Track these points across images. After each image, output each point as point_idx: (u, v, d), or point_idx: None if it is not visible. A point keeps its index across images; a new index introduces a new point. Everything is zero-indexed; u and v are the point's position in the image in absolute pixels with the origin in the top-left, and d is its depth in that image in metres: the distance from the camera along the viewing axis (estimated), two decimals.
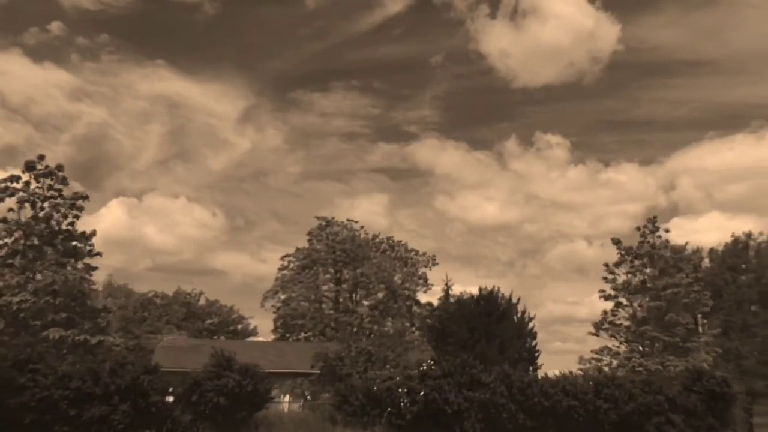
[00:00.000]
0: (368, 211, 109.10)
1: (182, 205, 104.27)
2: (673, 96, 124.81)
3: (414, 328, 65.67)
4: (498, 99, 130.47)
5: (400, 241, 73.99)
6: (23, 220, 30.04)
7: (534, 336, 53.40)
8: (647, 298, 46.04)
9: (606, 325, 48.03)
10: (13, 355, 22.20)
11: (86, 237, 30.87)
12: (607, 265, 49.97)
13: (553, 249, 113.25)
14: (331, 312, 66.43)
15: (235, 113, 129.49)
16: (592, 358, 47.61)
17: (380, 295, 68.03)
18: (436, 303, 66.29)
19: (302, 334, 65.45)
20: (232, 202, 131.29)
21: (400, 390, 26.54)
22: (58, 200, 30.66)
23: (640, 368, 42.50)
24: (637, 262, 47.61)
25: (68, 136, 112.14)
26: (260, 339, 71.99)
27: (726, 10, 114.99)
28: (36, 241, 30.12)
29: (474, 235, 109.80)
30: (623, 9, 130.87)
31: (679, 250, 50.96)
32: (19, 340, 23.47)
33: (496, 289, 55.57)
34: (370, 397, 26.44)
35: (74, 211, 30.61)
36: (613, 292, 48.64)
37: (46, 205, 30.58)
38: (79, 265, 30.50)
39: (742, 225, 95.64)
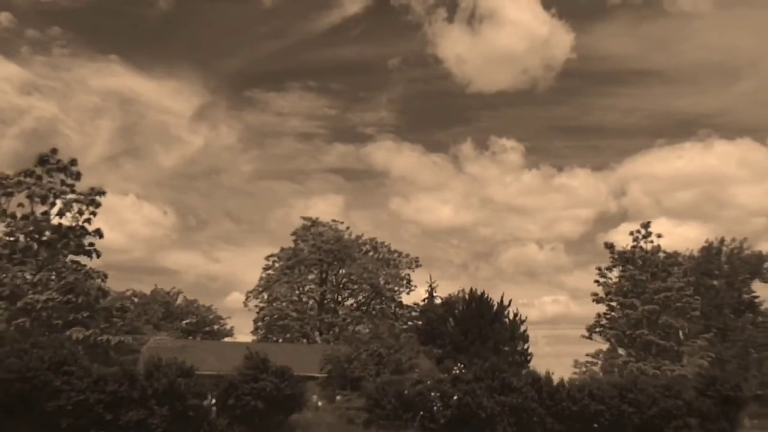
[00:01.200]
0: (323, 212, 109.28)
1: (132, 203, 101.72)
2: (623, 104, 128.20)
3: (398, 329, 65.38)
4: (454, 103, 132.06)
5: (383, 242, 73.42)
6: (39, 216, 28.77)
7: (527, 339, 53.80)
8: (640, 302, 46.43)
9: (599, 328, 48.38)
10: (48, 356, 21.13)
11: (100, 235, 29.77)
12: (599, 268, 50.41)
13: (505, 252, 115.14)
14: (312, 313, 65.65)
15: (189, 110, 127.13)
16: (587, 362, 47.97)
17: (362, 296, 67.62)
18: (418, 305, 66.51)
19: (287, 335, 64.53)
20: (184, 201, 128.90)
21: (432, 394, 26.18)
22: (70, 196, 29.45)
23: (637, 372, 42.81)
24: (630, 267, 48.05)
25: (16, 129, 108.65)
26: (240, 340, 70.68)
27: (676, 22, 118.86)
28: (49, 238, 28.87)
29: (428, 238, 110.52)
30: (577, 18, 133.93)
31: (671, 255, 51.63)
32: (50, 340, 22.35)
33: (486, 292, 56.17)
34: (402, 401, 26.05)
35: (90, 208, 29.41)
36: (605, 296, 48.98)
37: (58, 201, 29.34)
38: (94, 262, 29.43)
39: (688, 231, 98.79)
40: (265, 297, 65.63)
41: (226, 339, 75.29)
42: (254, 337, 65.31)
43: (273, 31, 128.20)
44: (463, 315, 53.93)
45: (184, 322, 71.03)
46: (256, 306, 67.47)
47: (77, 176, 29.64)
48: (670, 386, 30.99)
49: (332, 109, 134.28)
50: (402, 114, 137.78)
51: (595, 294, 49.70)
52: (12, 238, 28.17)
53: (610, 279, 49.77)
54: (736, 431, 32.48)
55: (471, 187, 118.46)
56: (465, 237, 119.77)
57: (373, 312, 67.52)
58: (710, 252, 71.23)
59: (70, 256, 29.21)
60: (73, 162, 29.76)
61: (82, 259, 29.61)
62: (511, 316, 54.38)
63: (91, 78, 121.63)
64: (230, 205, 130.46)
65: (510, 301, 54.69)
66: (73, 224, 29.12)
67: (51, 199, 29.18)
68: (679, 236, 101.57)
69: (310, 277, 67.83)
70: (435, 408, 25.94)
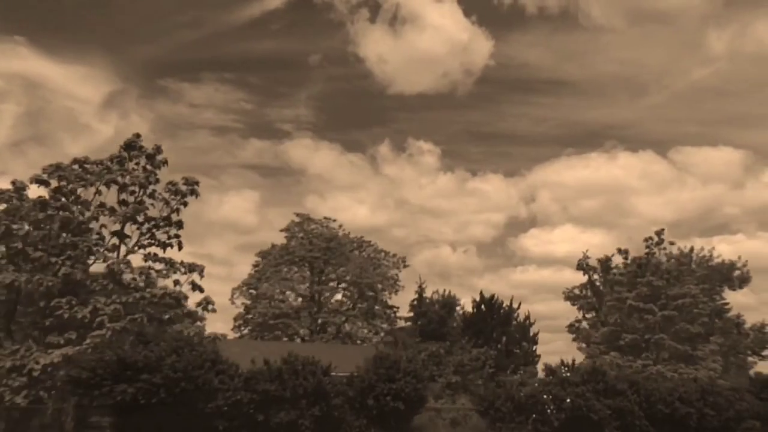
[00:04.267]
0: (237, 208, 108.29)
1: (35, 192, 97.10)
2: (535, 113, 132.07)
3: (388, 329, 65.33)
4: (373, 103, 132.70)
5: (370, 241, 73.05)
6: (128, 206, 27.28)
7: (536, 341, 54.60)
8: (657, 308, 47.88)
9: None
10: (205, 354, 20.21)
11: (179, 226, 28.51)
12: (614, 274, 51.58)
13: (419, 254, 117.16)
14: (305, 312, 64.81)
15: (98, 97, 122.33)
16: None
17: (356, 295, 67.13)
18: (418, 305, 66.56)
19: (277, 333, 63.43)
20: None
21: (545, 396, 26.31)
22: (155, 186, 28.07)
23: (656, 375, 44.07)
24: (648, 274, 49.46)
25: None
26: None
27: (589, 35, 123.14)
28: (140, 230, 27.48)
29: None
30: (496, 26, 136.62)
31: (684, 262, 53.41)
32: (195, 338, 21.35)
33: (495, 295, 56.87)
34: (515, 404, 26.08)
35: (178, 197, 28.11)
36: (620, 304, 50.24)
37: (142, 191, 27.94)
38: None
39: (591, 238, 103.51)
40: (253, 294, 64.49)
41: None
42: (236, 335, 63.48)
43: (190, 21, 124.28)
44: (474, 316, 54.28)
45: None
46: (243, 303, 66.12)
47: (162, 165, 28.28)
48: (737, 389, 32.06)
49: (249, 103, 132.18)
50: (321, 112, 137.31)
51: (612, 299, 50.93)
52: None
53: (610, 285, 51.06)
54: None
55: (387, 188, 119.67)
56: (380, 237, 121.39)
57: (367, 312, 67.23)
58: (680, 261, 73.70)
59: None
60: (158, 149, 28.39)
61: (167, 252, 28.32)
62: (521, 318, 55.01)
63: None
64: None
65: (519, 304, 55.38)
66: (165, 214, 27.78)
67: (142, 189, 27.75)
68: (584, 243, 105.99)
69: (302, 275, 66.94)
70: (548, 411, 26.02)
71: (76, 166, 27.38)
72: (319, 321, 64.45)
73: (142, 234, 28.14)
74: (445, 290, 59.00)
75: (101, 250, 26.65)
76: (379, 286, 68.55)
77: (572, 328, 64.07)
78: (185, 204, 28.23)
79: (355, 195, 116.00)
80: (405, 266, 72.31)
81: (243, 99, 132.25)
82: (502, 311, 55.06)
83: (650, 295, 48.70)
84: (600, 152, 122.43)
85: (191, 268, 26.92)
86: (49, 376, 21.33)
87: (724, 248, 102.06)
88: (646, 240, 51.61)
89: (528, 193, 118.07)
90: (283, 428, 21.02)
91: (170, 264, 27.44)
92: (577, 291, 64.09)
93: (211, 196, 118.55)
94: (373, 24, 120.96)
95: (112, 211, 27.70)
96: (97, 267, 26.72)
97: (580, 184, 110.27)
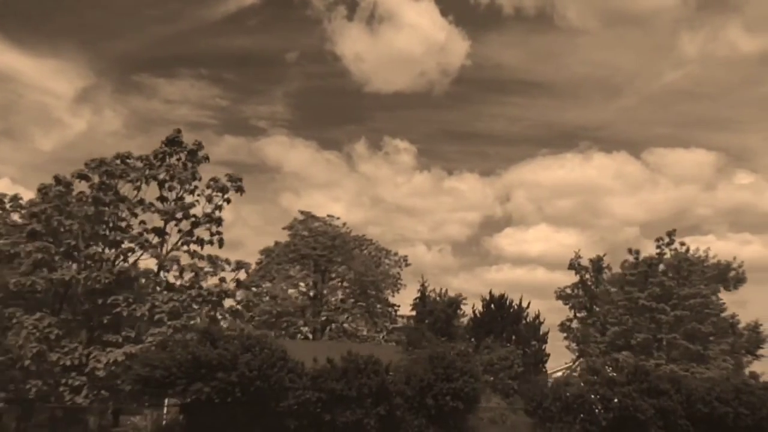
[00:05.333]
0: None
1: (6, 187, 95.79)
2: (511, 113, 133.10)
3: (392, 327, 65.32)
4: (350, 101, 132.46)
5: (371, 240, 72.87)
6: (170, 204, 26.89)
7: (546, 340, 54.74)
8: (669, 308, 48.29)
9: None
10: (276, 353, 19.96)
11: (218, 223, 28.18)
12: (625, 274, 51.95)
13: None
14: (309, 310, 64.55)
15: (71, 92, 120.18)
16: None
17: (359, 293, 66.95)
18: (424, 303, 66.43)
19: (281, 330, 63.07)
20: None
21: (592, 396, 26.38)
22: (196, 183, 27.69)
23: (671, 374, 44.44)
24: (661, 274, 49.89)
25: None
26: None
27: (563, 36, 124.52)
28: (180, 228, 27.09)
29: None
30: (473, 26, 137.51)
31: (696, 263, 53.80)
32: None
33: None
34: (563, 403, 26.11)
35: (219, 194, 27.76)
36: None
37: (182, 187, 27.54)
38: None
39: (565, 238, 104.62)
40: (255, 291, 64.02)
41: None
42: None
43: (166, 16, 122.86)
44: (486, 315, 54.29)
45: None
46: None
47: (203, 160, 27.95)
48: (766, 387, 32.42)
49: (224, 99, 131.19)
50: (297, 109, 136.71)
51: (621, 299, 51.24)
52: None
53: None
54: None
55: (363, 186, 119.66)
56: None
57: (369, 310, 67.10)
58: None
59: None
60: (200, 146, 28.04)
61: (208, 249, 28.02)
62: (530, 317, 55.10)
63: None
64: None
65: (529, 303, 55.49)
66: (208, 211, 27.44)
67: (181, 185, 27.37)
68: (558, 242, 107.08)
69: (306, 272, 66.61)
70: (597, 411, 26.09)
71: (118, 162, 26.97)
72: (322, 319, 64.18)
73: (180, 231, 27.83)
74: (443, 289, 58.84)
75: (145, 246, 26.29)
76: (382, 284, 68.50)
77: (564, 327, 64.39)
78: (228, 201, 27.93)
79: (331, 193, 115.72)
80: (407, 265, 72.25)
81: (218, 95, 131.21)
82: (511, 310, 55.25)
83: (662, 295, 49.12)
84: (575, 153, 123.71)
85: (239, 265, 26.65)
86: (113, 375, 20.94)
87: (696, 249, 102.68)
88: (657, 240, 52.01)
89: (503, 193, 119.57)
90: (349, 428, 20.82)
91: (214, 261, 27.15)
92: (569, 290, 64.49)
93: None
94: (351, 22, 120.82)
95: (150, 206, 27.38)
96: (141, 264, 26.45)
97: (555, 184, 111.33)
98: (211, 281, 26.24)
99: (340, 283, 66.34)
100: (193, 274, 25.48)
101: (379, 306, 66.88)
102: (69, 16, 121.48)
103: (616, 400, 26.21)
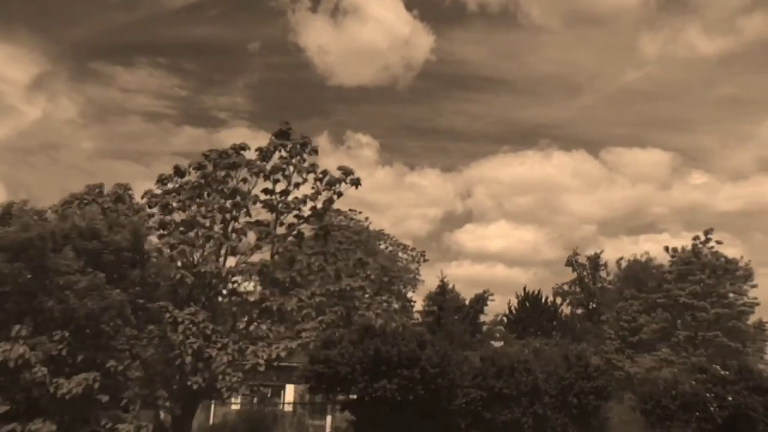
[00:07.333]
0: None
1: None
2: (473, 109, 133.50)
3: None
4: (313, 94, 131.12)
5: (389, 235, 72.50)
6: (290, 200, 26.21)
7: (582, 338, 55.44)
8: (709, 305, 49.15)
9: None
10: (444, 349, 19.75)
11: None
12: (662, 272, 52.70)
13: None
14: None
15: (25, 79, 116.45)
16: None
17: (373, 287, 66.58)
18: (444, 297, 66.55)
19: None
20: (16, 176, 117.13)
21: (707, 395, 26.64)
22: (312, 175, 26.87)
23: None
24: (698, 272, 50.67)
25: None
26: None
27: (525, 34, 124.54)
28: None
29: None
30: (437, 21, 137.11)
31: (732, 262, 54.63)
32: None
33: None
34: (680, 401, 26.34)
35: (332, 189, 27.12)
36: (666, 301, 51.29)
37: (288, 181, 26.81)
38: None
39: (524, 234, 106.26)
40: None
41: None
42: None
43: (124, 3, 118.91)
44: (523, 312, 54.92)
45: None
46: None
47: (312, 153, 27.29)
48: None
49: (184, 89, 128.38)
50: (258, 101, 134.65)
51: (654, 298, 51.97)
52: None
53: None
54: None
55: None
56: None
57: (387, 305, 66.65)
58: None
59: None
60: (307, 139, 27.37)
61: None
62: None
63: None
64: (68, 183, 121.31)
65: (563, 301, 56.13)
66: (318, 206, 26.78)
67: (287, 179, 26.66)
68: (517, 239, 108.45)
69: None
70: (712, 409, 26.36)
71: (235, 154, 26.29)
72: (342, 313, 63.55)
73: (283, 225, 27.23)
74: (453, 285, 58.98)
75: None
76: (399, 281, 68.29)
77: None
78: (340, 194, 27.33)
79: None
80: (425, 260, 72.05)
81: (177, 85, 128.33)
82: (546, 307, 56.03)
83: (701, 292, 49.97)
84: (535, 150, 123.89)
85: None
86: (274, 372, 20.48)
87: (650, 246, 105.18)
88: (694, 239, 52.79)
89: (464, 189, 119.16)
90: (509, 427, 20.73)
91: None
92: (566, 287, 65.10)
93: (142, 183, 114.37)
94: (315, 14, 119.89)
95: (255, 200, 26.74)
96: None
97: (515, 181, 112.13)
98: None
99: (364, 279, 65.78)
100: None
101: (396, 301, 66.67)
102: (24, 1, 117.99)
103: (730, 398, 26.53)
